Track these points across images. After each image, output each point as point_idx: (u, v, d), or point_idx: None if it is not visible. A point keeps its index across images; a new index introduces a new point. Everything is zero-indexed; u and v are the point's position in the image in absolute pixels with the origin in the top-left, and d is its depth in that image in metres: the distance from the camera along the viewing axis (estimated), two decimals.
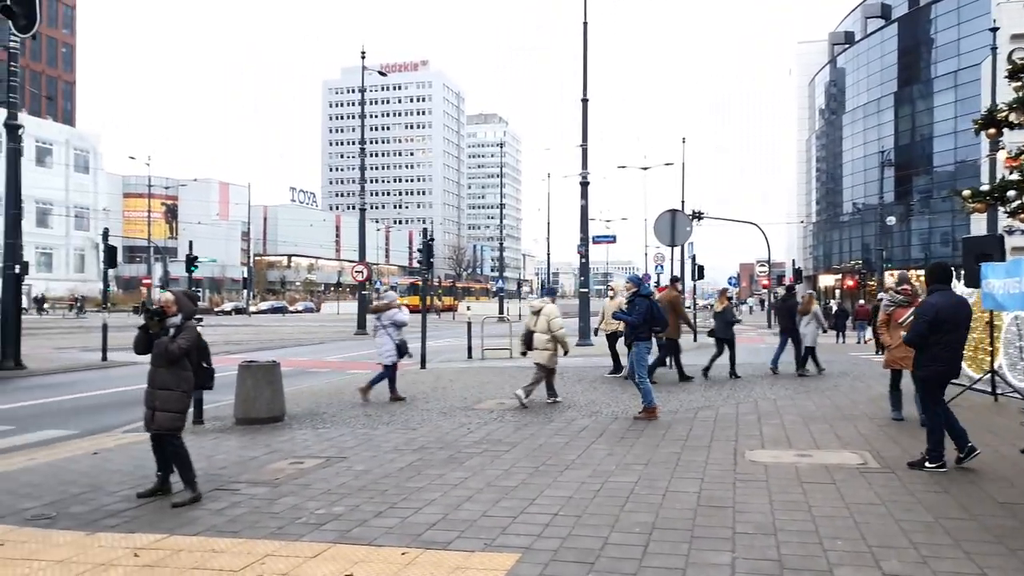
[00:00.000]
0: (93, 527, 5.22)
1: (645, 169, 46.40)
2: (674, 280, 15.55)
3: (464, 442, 8.08)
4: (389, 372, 11.31)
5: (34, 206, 71.13)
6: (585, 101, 22.77)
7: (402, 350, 11.33)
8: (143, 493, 5.95)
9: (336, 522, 5.23)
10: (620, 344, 14.14)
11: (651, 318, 9.76)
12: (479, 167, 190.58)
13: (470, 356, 18.76)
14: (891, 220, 50.56)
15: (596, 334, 15.14)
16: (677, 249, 25.45)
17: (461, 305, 63.40)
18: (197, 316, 6.50)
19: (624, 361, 14.31)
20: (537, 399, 11.20)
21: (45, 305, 56.73)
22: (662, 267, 41.89)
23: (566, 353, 10.72)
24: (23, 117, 16.83)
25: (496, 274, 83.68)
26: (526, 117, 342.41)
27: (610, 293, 14.65)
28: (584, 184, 22.61)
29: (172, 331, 5.87)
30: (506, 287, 61.90)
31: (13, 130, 16.28)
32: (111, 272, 39.38)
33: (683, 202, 37.75)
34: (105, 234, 32.27)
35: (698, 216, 32.33)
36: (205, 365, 6.13)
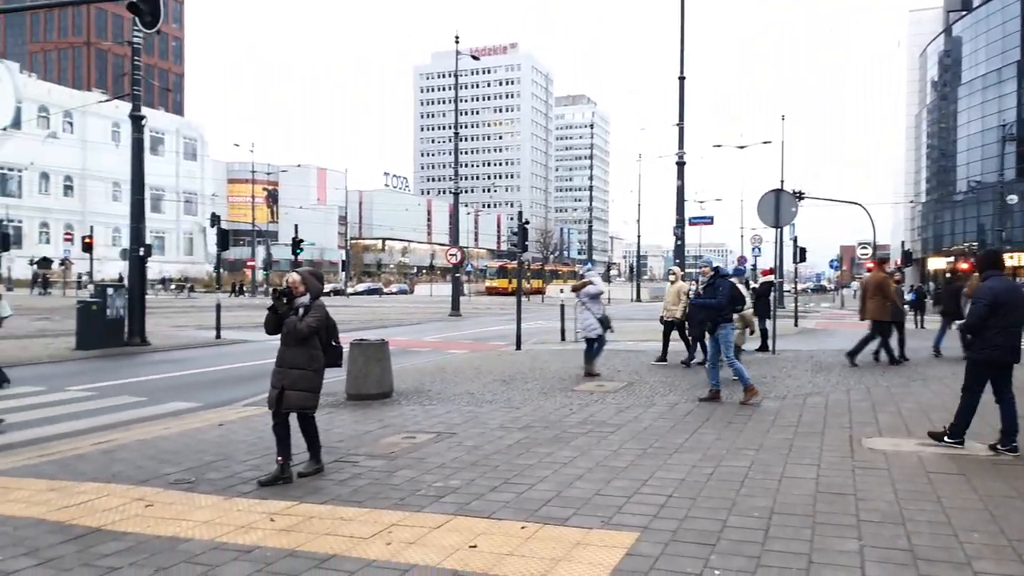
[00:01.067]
0: (229, 492, 5.57)
1: (742, 148, 44.98)
2: (882, 261, 15.16)
3: (568, 422, 8.14)
4: (594, 345, 11.88)
5: (148, 192, 75.54)
6: (682, 79, 22.28)
7: (605, 323, 11.86)
8: (264, 481, 5.78)
9: (454, 495, 5.40)
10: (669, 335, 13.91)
11: (732, 299, 9.66)
12: (567, 149, 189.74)
13: (563, 338, 18.80)
14: (1012, 199, 47.31)
15: (662, 322, 14.51)
16: (776, 231, 24.61)
17: (549, 288, 63.50)
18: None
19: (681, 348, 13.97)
20: (640, 380, 11.16)
21: (159, 285, 60.28)
22: (759, 249, 40.71)
23: (752, 332, 10.76)
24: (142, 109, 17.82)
25: (583, 257, 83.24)
26: (616, 98, 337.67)
27: (671, 278, 14.19)
28: (680, 164, 22.17)
29: (301, 311, 5.93)
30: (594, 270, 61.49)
31: (137, 121, 17.32)
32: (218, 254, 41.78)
33: (782, 182, 36.50)
34: (215, 219, 33.89)
35: (799, 196, 31.15)
36: (334, 344, 6.16)
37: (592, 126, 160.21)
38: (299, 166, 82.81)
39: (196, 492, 5.57)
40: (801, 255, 28.54)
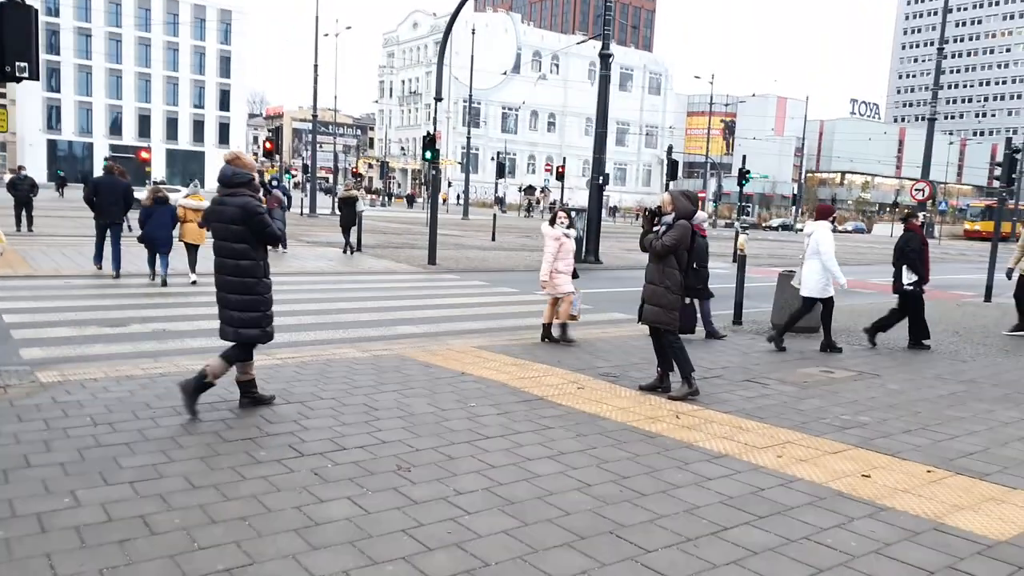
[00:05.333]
0: (645, 389, 6.29)
1: None
2: None
3: None
4: None
5: (615, 126, 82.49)
6: None
7: None
8: (644, 386, 6.25)
9: (859, 429, 5.27)
10: None
11: None
12: None
13: None
14: None
15: (1009, 276, 10.85)
16: None
17: None
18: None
19: None
20: None
21: (617, 214, 65.67)
22: None
23: None
24: (611, 47, 19.46)
25: None
26: None
27: None
28: None
29: (662, 228, 5.96)
30: None
31: (604, 59, 19.06)
32: (671, 185, 43.97)
33: None
34: (668, 150, 35.48)
35: None
36: (695, 266, 6.09)
37: None
38: (753, 95, 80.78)
39: (618, 384, 6.43)
40: None
